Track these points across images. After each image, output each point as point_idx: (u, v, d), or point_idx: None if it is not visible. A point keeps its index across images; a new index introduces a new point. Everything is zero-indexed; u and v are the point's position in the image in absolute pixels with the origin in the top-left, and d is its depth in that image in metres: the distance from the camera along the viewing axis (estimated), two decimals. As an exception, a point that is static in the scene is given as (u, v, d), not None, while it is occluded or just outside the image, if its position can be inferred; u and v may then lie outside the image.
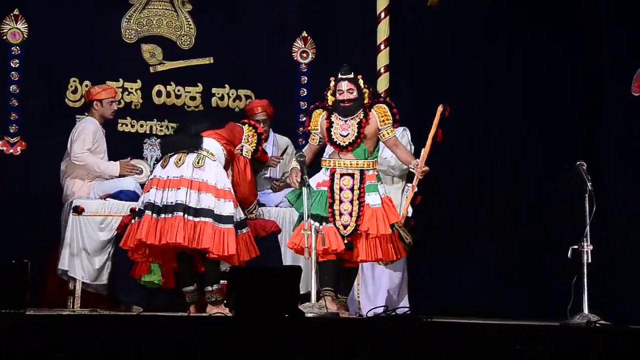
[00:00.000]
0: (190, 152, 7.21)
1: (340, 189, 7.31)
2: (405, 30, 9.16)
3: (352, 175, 7.32)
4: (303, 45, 9.43)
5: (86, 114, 8.46)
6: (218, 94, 9.24)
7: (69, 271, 7.76)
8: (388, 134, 7.39)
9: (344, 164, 7.33)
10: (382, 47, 8.66)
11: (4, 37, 8.76)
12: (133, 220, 7.17)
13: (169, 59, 9.17)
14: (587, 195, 7.09)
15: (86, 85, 8.85)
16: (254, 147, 7.56)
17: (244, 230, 7.27)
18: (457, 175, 9.25)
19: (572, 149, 9.06)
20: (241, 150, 7.50)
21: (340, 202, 7.28)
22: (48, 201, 8.34)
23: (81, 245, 7.79)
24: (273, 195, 8.45)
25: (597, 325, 6.66)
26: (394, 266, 7.79)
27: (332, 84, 7.38)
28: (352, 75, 7.34)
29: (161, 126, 9.08)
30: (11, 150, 8.71)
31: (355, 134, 7.29)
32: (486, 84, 9.43)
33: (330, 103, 7.40)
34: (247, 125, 7.63)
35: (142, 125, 9.08)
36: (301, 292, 6.79)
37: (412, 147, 7.98)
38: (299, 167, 7.20)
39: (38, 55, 8.76)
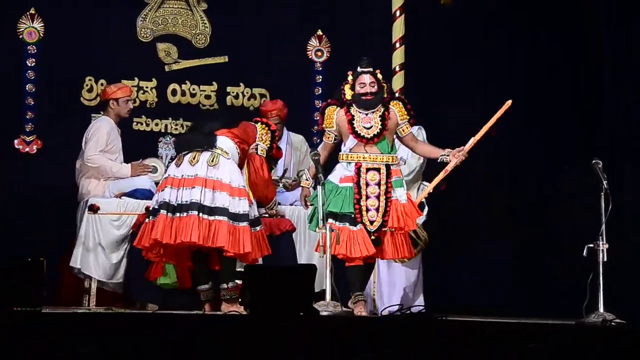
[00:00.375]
0: (205, 150, 7.21)
1: (367, 184, 7.20)
2: (420, 29, 9.15)
3: (378, 170, 7.21)
4: (318, 44, 9.43)
5: (102, 112, 8.49)
6: (233, 92, 9.26)
7: (83, 269, 7.78)
8: (407, 129, 7.33)
9: (370, 158, 7.23)
10: (397, 45, 8.66)
11: (20, 36, 8.79)
12: (147, 219, 7.17)
13: (184, 57, 9.19)
14: (602, 193, 7.08)
15: (102, 84, 8.88)
16: (269, 145, 7.53)
17: (258, 228, 7.26)
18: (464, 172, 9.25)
19: (572, 149, 9.05)
20: (256, 149, 7.48)
21: (367, 197, 7.16)
22: (64, 200, 8.36)
23: (97, 243, 7.81)
24: (288, 194, 8.45)
25: (613, 324, 6.64)
26: (410, 264, 7.80)
27: (351, 77, 7.30)
28: (372, 69, 7.28)
29: (176, 125, 9.10)
30: (27, 149, 8.74)
31: (380, 125, 7.19)
32: (486, 84, 9.40)
33: (348, 97, 7.30)
34: (259, 123, 7.61)
35: (157, 124, 9.11)
36: (316, 290, 6.79)
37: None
38: (310, 176, 7.19)
39: (54, 54, 8.79)
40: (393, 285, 7.97)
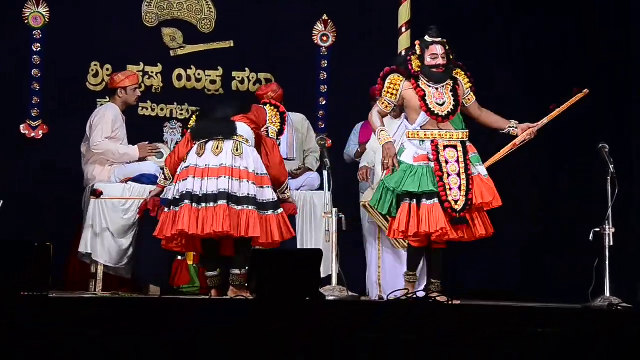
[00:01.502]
0: (227, 139, 7.16)
1: (446, 162, 6.91)
2: (426, 13, 9.12)
3: (454, 147, 6.94)
4: (323, 29, 9.42)
5: (107, 98, 8.48)
6: (238, 77, 9.25)
7: (92, 254, 7.79)
8: (472, 97, 7.07)
9: (446, 135, 6.95)
10: (404, 30, 8.63)
11: (26, 21, 8.78)
12: (167, 210, 7.12)
13: (190, 42, 9.18)
14: (609, 177, 7.06)
15: (107, 69, 8.87)
16: (279, 127, 7.49)
17: (279, 211, 7.19)
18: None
19: (572, 149, 9.04)
20: (267, 131, 7.43)
21: (448, 175, 6.89)
22: (70, 185, 8.36)
23: (104, 228, 7.82)
24: (293, 181, 8.42)
25: (619, 308, 6.64)
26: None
27: (419, 47, 6.96)
28: (442, 38, 6.95)
29: (181, 110, 9.09)
30: (33, 134, 8.75)
31: (453, 102, 6.89)
32: (493, 69, 9.37)
33: (416, 69, 6.94)
34: (268, 105, 7.57)
35: (162, 109, 9.10)
36: (322, 276, 6.80)
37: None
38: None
39: (59, 39, 8.78)
40: (397, 271, 7.95)
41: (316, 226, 8.01)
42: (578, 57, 9.21)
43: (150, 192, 7.50)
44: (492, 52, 9.39)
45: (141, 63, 9.03)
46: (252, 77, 9.27)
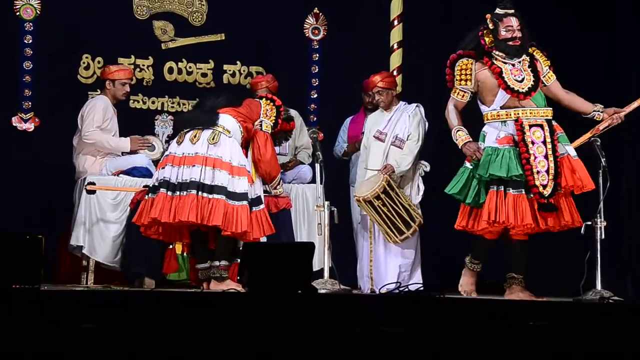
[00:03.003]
0: (206, 128, 7.17)
1: (532, 143, 6.50)
2: (419, 6, 9.11)
3: (540, 127, 6.51)
4: (315, 22, 9.40)
5: (99, 90, 8.47)
6: (229, 70, 9.23)
7: (84, 248, 7.77)
8: (552, 76, 6.68)
9: (530, 113, 6.52)
10: (396, 23, 8.62)
11: (17, 13, 8.75)
12: (147, 196, 7.15)
13: (181, 35, 9.15)
14: (600, 171, 7.02)
15: (99, 62, 8.85)
16: (274, 121, 7.45)
17: (258, 208, 7.21)
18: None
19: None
20: (260, 125, 7.42)
21: (535, 157, 6.48)
22: (61, 177, 8.34)
23: (94, 221, 7.80)
24: (286, 173, 8.41)
25: (611, 301, 6.65)
26: (405, 243, 7.77)
27: (490, 21, 6.57)
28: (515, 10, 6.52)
29: (172, 103, 9.08)
30: (24, 127, 8.72)
31: (533, 77, 6.48)
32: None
33: (489, 44, 6.55)
34: (264, 99, 7.56)
35: (153, 102, 9.08)
36: (315, 269, 6.81)
37: (427, 124, 7.94)
38: (471, 139, 6.49)
39: (51, 31, 8.75)
40: (389, 264, 7.94)
41: (308, 219, 8.00)
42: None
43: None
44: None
45: (132, 56, 9.01)
46: (244, 70, 9.26)
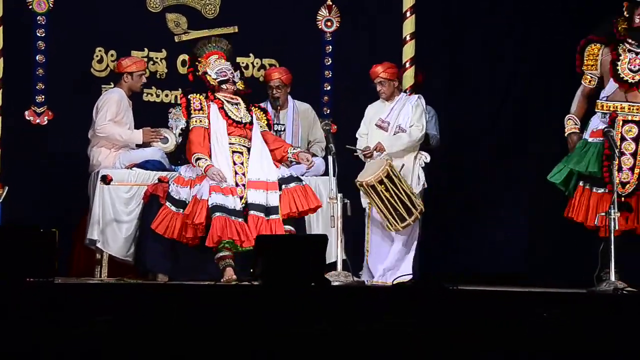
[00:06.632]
0: None
1: (622, 139, 6.45)
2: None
3: (637, 123, 6.47)
4: (328, 14, 9.38)
5: (112, 84, 8.48)
6: (242, 63, 9.22)
7: (98, 242, 7.76)
8: None
9: (629, 108, 6.44)
10: (408, 14, 8.60)
11: (30, 7, 8.76)
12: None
13: (194, 28, 9.15)
14: (614, 162, 6.95)
15: (112, 55, 8.86)
16: (266, 122, 7.78)
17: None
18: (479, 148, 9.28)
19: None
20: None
21: (621, 154, 6.40)
22: (75, 171, 8.35)
23: (109, 215, 7.80)
24: (297, 166, 8.35)
25: (625, 292, 6.63)
26: (403, 233, 7.75)
27: (626, 9, 6.45)
28: None
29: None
30: (38, 120, 8.73)
31: None
32: (499, 53, 9.34)
33: (622, 32, 6.45)
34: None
35: (167, 95, 9.09)
36: (329, 262, 6.81)
37: (435, 115, 7.94)
38: (577, 131, 6.41)
39: (64, 24, 8.75)
40: (382, 253, 7.91)
41: (322, 211, 7.99)
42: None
43: None
44: (499, 33, 9.36)
45: (145, 49, 9.01)
46: (257, 63, 9.25)
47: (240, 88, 7.76)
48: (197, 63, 7.70)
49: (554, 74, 9.11)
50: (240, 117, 7.62)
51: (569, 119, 6.79)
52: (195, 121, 7.56)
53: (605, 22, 6.66)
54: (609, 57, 6.47)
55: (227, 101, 7.62)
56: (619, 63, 6.40)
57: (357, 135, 8.39)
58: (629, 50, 6.43)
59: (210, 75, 7.65)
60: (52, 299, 5.37)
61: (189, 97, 7.60)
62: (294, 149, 7.71)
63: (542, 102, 9.19)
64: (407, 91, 8.24)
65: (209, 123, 7.55)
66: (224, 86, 7.60)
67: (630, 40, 6.46)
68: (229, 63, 7.70)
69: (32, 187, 8.52)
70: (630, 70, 6.41)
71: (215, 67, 7.65)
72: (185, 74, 9.04)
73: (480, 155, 9.30)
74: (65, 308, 5.27)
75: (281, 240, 6.72)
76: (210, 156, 7.44)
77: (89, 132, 8.21)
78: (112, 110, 8.08)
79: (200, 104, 7.61)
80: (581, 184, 6.62)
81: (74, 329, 5.08)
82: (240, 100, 7.70)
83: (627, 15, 6.47)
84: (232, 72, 7.67)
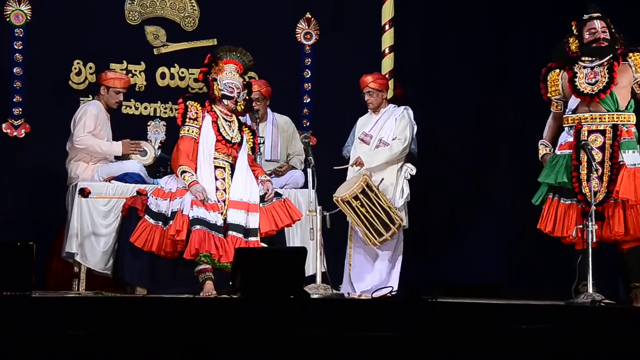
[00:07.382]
0: None
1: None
2: (410, 11, 9.11)
3: (602, 132, 6.58)
4: (307, 27, 9.40)
5: (90, 96, 8.46)
6: (221, 76, 9.20)
7: (76, 255, 7.73)
8: None
9: (592, 118, 6.59)
10: (387, 27, 8.62)
11: (7, 19, 8.74)
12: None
13: (173, 40, 9.15)
14: (592, 174, 7.01)
15: (90, 68, 8.84)
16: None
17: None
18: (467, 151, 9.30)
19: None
20: None
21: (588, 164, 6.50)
22: (53, 184, 8.33)
23: (87, 228, 7.77)
24: (277, 179, 8.38)
25: (602, 304, 6.65)
26: (383, 245, 7.74)
27: (575, 27, 6.68)
28: (601, 14, 6.63)
29: (165, 108, 9.07)
30: (15, 133, 8.71)
31: (607, 79, 6.50)
32: (480, 61, 9.37)
33: (574, 50, 6.67)
34: None
35: (146, 108, 9.08)
36: (309, 274, 6.80)
37: (415, 126, 7.94)
38: (548, 152, 6.59)
39: (41, 37, 8.74)
40: (364, 268, 7.90)
41: (301, 224, 7.99)
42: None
43: None
44: (478, 40, 9.39)
45: (124, 61, 9.00)
46: (236, 76, 9.23)
47: (239, 110, 7.64)
48: (213, 64, 7.53)
49: (533, 87, 9.16)
50: (232, 137, 7.54)
51: (541, 143, 7.00)
52: (187, 130, 7.49)
53: (558, 46, 6.87)
54: (565, 76, 6.71)
55: (222, 117, 7.54)
56: (576, 80, 6.61)
57: (348, 150, 8.36)
58: (584, 67, 6.66)
59: (217, 84, 7.51)
60: (29, 313, 5.33)
61: (187, 103, 7.51)
62: (264, 176, 7.60)
63: (520, 116, 9.23)
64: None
65: (199, 135, 7.47)
66: (225, 101, 7.49)
67: (583, 58, 6.69)
68: (241, 79, 7.55)
69: (9, 200, 8.49)
70: (588, 83, 6.60)
71: (225, 78, 7.51)
72: (164, 87, 9.07)
73: (458, 167, 9.32)
74: (42, 322, 5.24)
75: (260, 252, 6.70)
76: (195, 170, 7.40)
77: (67, 145, 8.18)
78: (89, 123, 8.05)
79: (196, 113, 7.52)
80: (550, 195, 6.74)
81: (51, 343, 5.05)
82: (234, 118, 7.62)
83: (577, 34, 6.70)
84: (238, 92, 7.54)
